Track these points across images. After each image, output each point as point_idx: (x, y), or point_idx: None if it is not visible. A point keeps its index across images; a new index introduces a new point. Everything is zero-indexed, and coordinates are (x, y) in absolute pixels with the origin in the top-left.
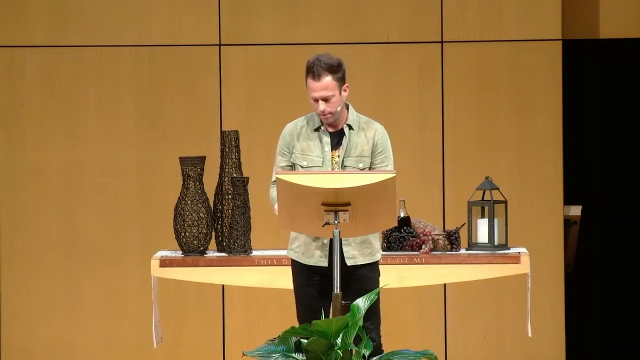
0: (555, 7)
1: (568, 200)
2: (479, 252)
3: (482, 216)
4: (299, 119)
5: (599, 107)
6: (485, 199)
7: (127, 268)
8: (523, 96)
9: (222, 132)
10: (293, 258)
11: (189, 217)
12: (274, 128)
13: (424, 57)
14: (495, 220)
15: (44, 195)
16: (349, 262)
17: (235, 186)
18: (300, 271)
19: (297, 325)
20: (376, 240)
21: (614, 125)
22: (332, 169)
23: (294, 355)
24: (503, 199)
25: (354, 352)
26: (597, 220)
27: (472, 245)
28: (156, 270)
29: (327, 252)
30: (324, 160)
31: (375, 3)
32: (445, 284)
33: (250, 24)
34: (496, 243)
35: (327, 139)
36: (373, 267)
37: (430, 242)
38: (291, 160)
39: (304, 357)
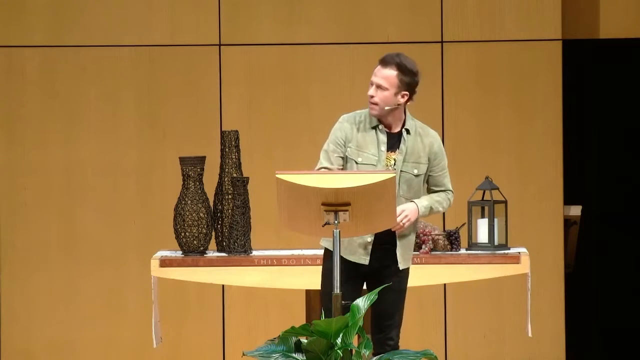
0: (555, 7)
1: (568, 200)
2: (479, 252)
3: (482, 216)
4: (356, 112)
5: (599, 107)
6: (485, 199)
7: (127, 268)
8: (523, 96)
9: (222, 132)
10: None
11: (189, 217)
12: (274, 128)
13: (424, 57)
14: (495, 220)
15: (44, 195)
16: (401, 266)
17: (235, 186)
18: (343, 263)
19: (296, 325)
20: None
21: (614, 125)
22: None
23: (294, 355)
24: (503, 199)
25: (354, 352)
26: (597, 221)
27: (472, 245)
28: (156, 270)
29: (369, 251)
30: (379, 160)
31: (375, 3)
32: (445, 284)
33: (250, 24)
34: (496, 243)
35: (383, 138)
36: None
37: (430, 242)
38: (345, 153)
39: (304, 357)
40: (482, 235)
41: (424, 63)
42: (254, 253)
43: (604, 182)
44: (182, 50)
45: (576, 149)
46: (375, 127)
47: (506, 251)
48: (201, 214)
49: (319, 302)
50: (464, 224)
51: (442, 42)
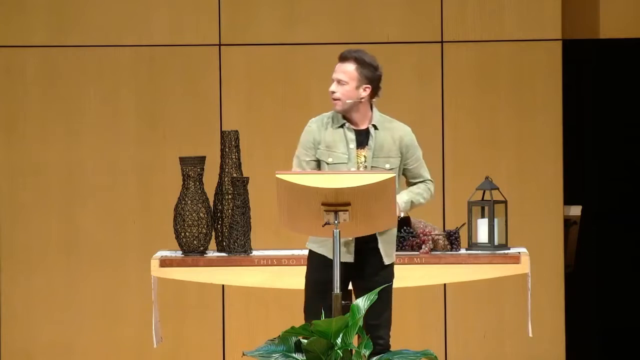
0: (555, 7)
1: (568, 200)
2: (479, 252)
3: (482, 216)
4: (323, 114)
5: (599, 107)
6: (485, 199)
7: (127, 268)
8: (523, 96)
9: (222, 132)
10: (319, 252)
11: (189, 217)
12: (274, 128)
13: (424, 57)
14: (495, 220)
15: (44, 195)
16: (385, 262)
17: (235, 186)
18: (327, 265)
19: (296, 325)
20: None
21: (614, 125)
22: (358, 168)
23: (294, 355)
24: (503, 199)
25: (354, 352)
26: (598, 220)
27: (472, 245)
28: (156, 270)
29: (352, 249)
30: (349, 158)
31: (375, 3)
32: (445, 284)
33: (250, 24)
34: (496, 243)
35: (352, 136)
36: (388, 268)
37: (430, 242)
38: (316, 155)
39: (304, 357)
40: (482, 235)
41: (424, 63)
42: (254, 253)
43: (604, 182)
44: (182, 50)
45: (576, 149)
46: (342, 126)
47: (506, 251)
48: (201, 214)
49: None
50: (464, 224)
51: (442, 42)
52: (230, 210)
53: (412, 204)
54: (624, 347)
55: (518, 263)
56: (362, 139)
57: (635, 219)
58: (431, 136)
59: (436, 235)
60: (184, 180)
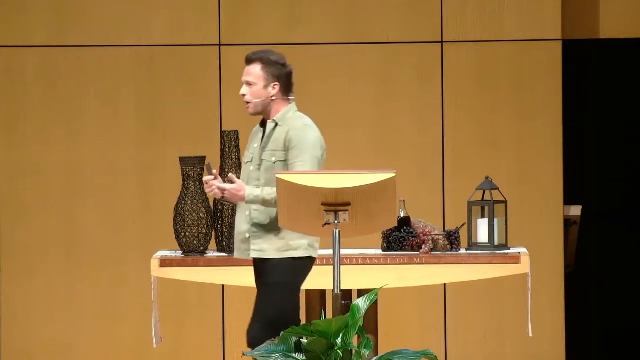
0: (555, 7)
1: (568, 200)
2: (479, 252)
3: (482, 216)
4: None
5: (599, 107)
6: (485, 199)
7: (127, 268)
8: (523, 96)
9: (222, 132)
10: (307, 255)
11: (189, 217)
12: None
13: (424, 57)
14: (495, 220)
15: (44, 195)
16: (260, 255)
17: None
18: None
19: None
20: (295, 235)
21: (614, 125)
22: (252, 161)
23: (294, 355)
24: (503, 199)
25: (354, 352)
26: (598, 220)
27: (472, 245)
28: (156, 270)
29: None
30: (253, 156)
31: (375, 3)
32: (445, 284)
33: (250, 24)
34: (496, 243)
35: (260, 135)
36: (279, 263)
37: (430, 242)
38: None
39: (304, 357)
40: (482, 235)
41: (424, 63)
42: None
43: (604, 182)
44: (182, 50)
45: (576, 149)
46: (261, 125)
47: (506, 251)
48: (201, 214)
49: (318, 302)
50: (464, 224)
51: (442, 42)
52: (230, 210)
53: (265, 201)
54: (624, 347)
55: (518, 263)
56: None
57: (635, 219)
58: (431, 136)
59: (436, 235)
60: (184, 180)
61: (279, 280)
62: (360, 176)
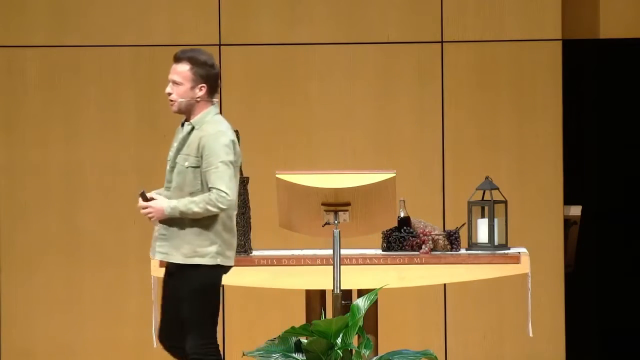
0: (555, 7)
1: (568, 200)
2: (479, 252)
3: (482, 216)
4: None
5: (599, 107)
6: (485, 199)
7: (127, 268)
8: (523, 96)
9: None
10: (214, 263)
11: None
12: (273, 128)
13: (424, 57)
14: (495, 220)
15: (44, 195)
16: (158, 257)
17: None
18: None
19: (296, 325)
20: (204, 240)
21: (614, 125)
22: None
23: (294, 355)
24: (503, 199)
25: (354, 352)
26: (598, 220)
27: (472, 245)
28: (156, 270)
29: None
30: (171, 156)
31: (375, 3)
32: (445, 284)
33: (250, 24)
34: (496, 243)
35: (179, 136)
36: (186, 270)
37: (430, 242)
38: None
39: (304, 357)
40: (482, 235)
41: (424, 63)
42: (254, 253)
43: (604, 182)
44: None
45: (576, 149)
46: (182, 125)
47: (506, 251)
48: None
49: (318, 302)
50: (464, 224)
51: (442, 42)
52: None
53: (183, 212)
54: (624, 347)
55: (518, 263)
56: None
57: (635, 219)
58: (431, 136)
59: (436, 235)
60: None
61: (185, 286)
62: (360, 176)
